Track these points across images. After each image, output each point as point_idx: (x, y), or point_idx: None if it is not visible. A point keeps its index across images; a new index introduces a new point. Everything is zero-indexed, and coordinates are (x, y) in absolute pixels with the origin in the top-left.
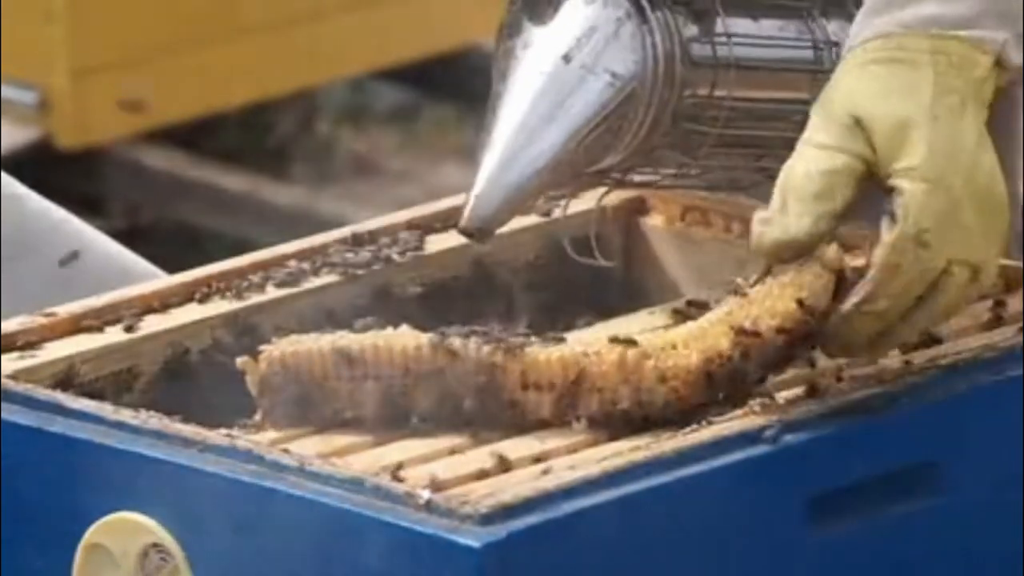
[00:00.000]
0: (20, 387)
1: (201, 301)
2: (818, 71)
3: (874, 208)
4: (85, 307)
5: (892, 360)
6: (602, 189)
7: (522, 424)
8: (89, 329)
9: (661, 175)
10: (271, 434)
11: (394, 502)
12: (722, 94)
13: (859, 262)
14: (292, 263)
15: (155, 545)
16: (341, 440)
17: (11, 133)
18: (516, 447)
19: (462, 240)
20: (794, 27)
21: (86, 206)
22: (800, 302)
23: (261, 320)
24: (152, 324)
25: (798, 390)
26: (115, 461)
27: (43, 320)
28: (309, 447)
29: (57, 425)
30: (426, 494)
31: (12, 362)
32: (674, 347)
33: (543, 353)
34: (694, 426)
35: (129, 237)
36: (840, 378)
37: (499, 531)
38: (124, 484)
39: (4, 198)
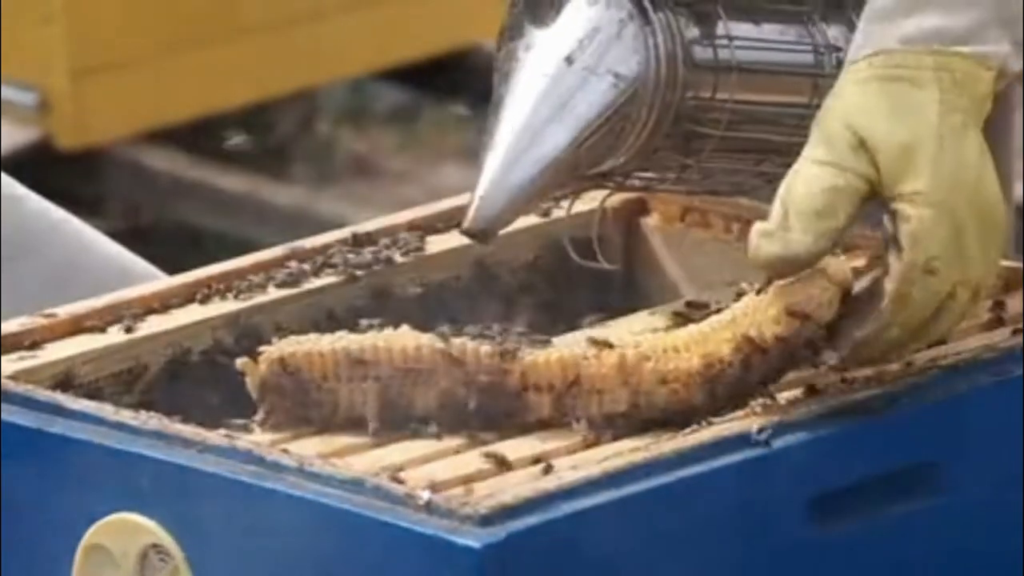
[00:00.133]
0: (20, 388)
1: (202, 302)
2: (819, 75)
3: (874, 210)
4: (85, 307)
5: (892, 360)
6: (603, 191)
7: (522, 425)
8: (89, 330)
9: (662, 177)
10: (271, 434)
11: (394, 503)
12: (724, 97)
13: (859, 262)
14: (292, 263)
15: (155, 546)
16: (341, 440)
17: (11, 134)
18: (516, 447)
19: (462, 241)
20: (794, 31)
21: (86, 206)
22: (805, 314)
23: (261, 321)
24: (152, 325)
25: (798, 390)
26: (115, 461)
27: (43, 320)
28: (309, 447)
29: (57, 426)
30: (426, 495)
31: (12, 363)
32: (676, 350)
33: (543, 354)
34: (694, 427)
35: (129, 237)
36: (840, 378)
37: (499, 531)
38: (124, 484)
39: (4, 198)
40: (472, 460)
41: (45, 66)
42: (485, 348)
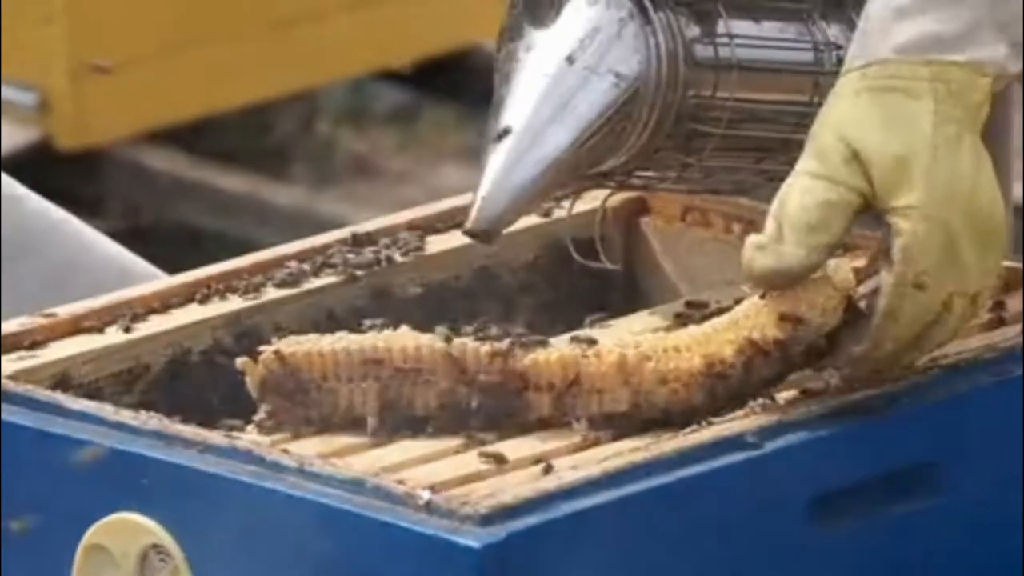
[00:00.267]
0: (20, 388)
1: (201, 302)
2: (819, 73)
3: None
4: (85, 308)
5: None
6: (604, 191)
7: (522, 424)
8: (89, 330)
9: (664, 176)
10: (271, 435)
11: (394, 503)
12: (724, 95)
13: (859, 263)
14: (292, 264)
15: (155, 546)
16: (341, 440)
17: (11, 134)
18: (516, 447)
19: (463, 241)
20: (795, 29)
21: (86, 206)
22: (809, 320)
23: (261, 321)
24: (152, 325)
25: (798, 390)
26: (115, 461)
27: (43, 321)
28: (309, 447)
29: (57, 426)
30: (426, 495)
31: (12, 363)
32: (677, 350)
33: (543, 354)
34: (694, 426)
35: (129, 237)
36: (841, 378)
37: (499, 531)
38: (124, 484)
39: (4, 198)
40: (472, 460)
41: (45, 66)
42: (485, 348)
